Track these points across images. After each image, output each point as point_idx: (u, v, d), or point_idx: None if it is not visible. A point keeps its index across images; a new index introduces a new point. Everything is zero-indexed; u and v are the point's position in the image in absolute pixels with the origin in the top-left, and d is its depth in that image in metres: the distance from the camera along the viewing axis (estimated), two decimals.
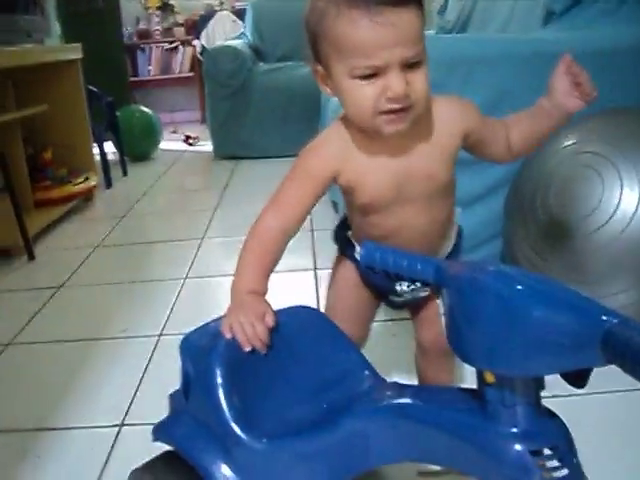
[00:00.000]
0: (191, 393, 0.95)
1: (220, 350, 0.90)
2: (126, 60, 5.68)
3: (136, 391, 1.57)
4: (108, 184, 3.73)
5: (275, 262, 0.97)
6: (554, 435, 0.71)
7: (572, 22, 1.88)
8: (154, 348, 1.77)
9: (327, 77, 0.93)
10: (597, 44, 1.74)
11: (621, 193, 1.33)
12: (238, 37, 4.97)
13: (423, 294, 1.09)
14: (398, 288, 1.06)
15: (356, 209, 1.04)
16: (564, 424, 0.73)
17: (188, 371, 0.96)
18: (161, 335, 1.84)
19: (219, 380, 0.87)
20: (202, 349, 0.93)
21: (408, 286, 1.05)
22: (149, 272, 2.43)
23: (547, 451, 0.69)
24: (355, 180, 0.97)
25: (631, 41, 1.75)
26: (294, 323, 0.98)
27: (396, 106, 0.87)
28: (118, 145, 4.10)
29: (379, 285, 1.11)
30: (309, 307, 1.03)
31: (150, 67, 6.18)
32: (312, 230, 2.57)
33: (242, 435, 0.86)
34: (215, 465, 0.88)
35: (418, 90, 0.88)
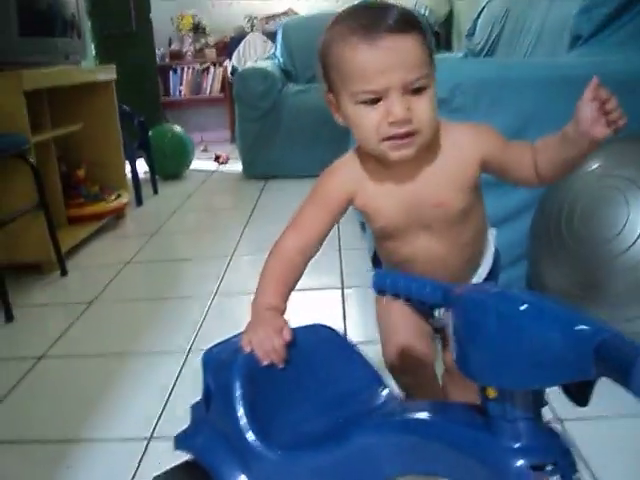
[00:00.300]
0: (212, 404, 0.99)
1: (240, 364, 0.93)
2: (158, 81, 5.78)
3: (165, 405, 1.60)
4: (139, 202, 3.79)
5: (295, 281, 1.00)
6: (555, 451, 0.72)
7: (599, 46, 1.90)
8: (183, 364, 1.80)
9: (338, 106, 0.97)
10: (624, 68, 1.75)
11: None
12: (269, 58, 5.05)
13: None
14: (436, 314, 1.08)
15: (375, 234, 1.08)
16: (565, 441, 0.74)
17: (209, 383, 1.00)
18: (190, 351, 1.87)
19: (238, 392, 0.91)
20: (223, 362, 0.97)
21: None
22: (178, 289, 2.47)
23: (548, 466, 0.71)
24: (368, 205, 1.01)
25: None
26: (311, 340, 1.01)
27: (398, 131, 0.89)
28: (149, 164, 4.17)
29: (419, 311, 1.12)
30: (325, 325, 1.06)
31: (182, 87, 6.27)
32: (339, 249, 2.59)
33: (259, 446, 0.90)
34: (232, 474, 0.92)
35: (422, 116, 0.90)
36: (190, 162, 4.75)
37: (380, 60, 0.88)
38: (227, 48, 6.06)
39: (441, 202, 0.98)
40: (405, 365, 1.11)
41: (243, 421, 0.91)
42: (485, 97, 1.65)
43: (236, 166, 4.75)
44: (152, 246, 3.06)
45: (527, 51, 2.39)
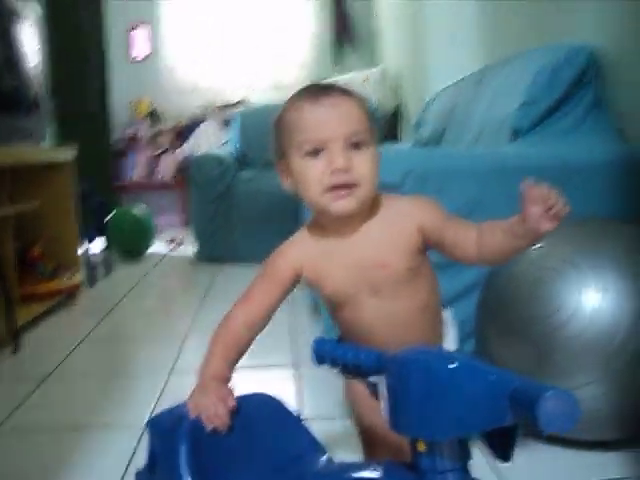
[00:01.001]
0: (157, 469, 1.02)
1: (185, 430, 0.97)
2: (111, 164, 5.90)
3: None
4: (93, 282, 3.81)
5: (241, 352, 1.05)
6: None
7: (537, 139, 2.06)
8: (139, 440, 1.81)
9: (287, 170, 1.03)
10: (560, 159, 1.90)
11: (580, 295, 1.45)
12: (223, 145, 5.20)
13: None
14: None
15: (327, 305, 1.12)
16: None
17: (155, 449, 1.03)
18: (145, 430, 1.89)
19: (183, 457, 0.95)
20: (168, 428, 1.01)
21: None
22: (134, 367, 2.51)
23: None
24: (316, 276, 1.06)
25: (587, 157, 1.92)
26: (254, 408, 1.07)
27: (339, 180, 0.97)
28: (107, 244, 4.21)
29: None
30: (268, 394, 1.11)
31: (135, 171, 6.37)
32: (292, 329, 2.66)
33: None
34: None
35: (361, 169, 0.97)
36: (152, 243, 4.82)
37: (322, 113, 0.98)
38: (181, 135, 6.21)
39: (385, 263, 1.03)
40: (374, 440, 1.15)
41: None
42: (433, 184, 1.75)
43: (189, 249, 4.81)
44: (106, 325, 3.07)
45: (471, 143, 2.55)
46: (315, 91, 1.01)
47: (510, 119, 2.17)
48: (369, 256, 1.03)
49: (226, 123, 5.70)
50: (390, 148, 3.04)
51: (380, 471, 0.88)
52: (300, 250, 1.08)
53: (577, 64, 2.11)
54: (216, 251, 4.45)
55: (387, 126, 5.24)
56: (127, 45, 6.40)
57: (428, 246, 1.07)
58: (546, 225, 0.91)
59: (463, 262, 1.07)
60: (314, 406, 1.97)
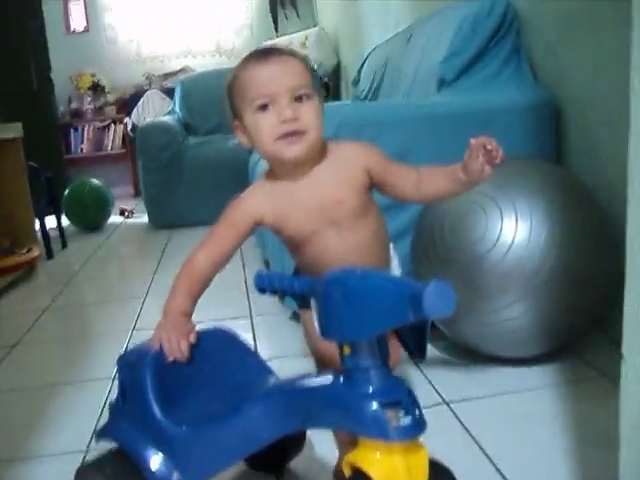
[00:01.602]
0: (127, 397, 1.18)
1: (149, 360, 1.14)
2: (60, 139, 5.91)
3: (97, 423, 1.72)
4: (50, 255, 3.88)
5: (202, 289, 1.17)
6: (399, 391, 0.94)
7: (461, 88, 2.21)
8: (108, 391, 1.93)
9: (242, 127, 1.17)
10: (482, 105, 2.06)
11: (501, 225, 1.61)
12: (168, 114, 5.25)
13: None
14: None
15: (289, 245, 1.23)
16: (407, 384, 0.97)
17: (124, 380, 1.20)
18: (114, 379, 2.02)
19: (149, 383, 1.12)
20: (135, 361, 1.17)
21: None
22: (99, 328, 2.65)
23: (396, 404, 0.92)
24: (277, 221, 1.18)
25: (507, 102, 2.08)
26: (213, 340, 1.23)
27: (288, 127, 1.09)
28: (58, 219, 4.27)
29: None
30: (224, 329, 1.28)
31: (82, 145, 6.40)
32: (247, 288, 2.80)
33: (167, 425, 1.11)
34: (147, 452, 1.12)
35: (307, 118, 1.10)
36: (110, 213, 4.90)
37: (269, 71, 1.11)
38: (126, 105, 6.23)
39: (340, 199, 1.15)
40: (324, 363, 1.27)
41: (153, 405, 1.11)
42: (365, 134, 1.87)
43: (142, 219, 4.90)
44: (67, 293, 3.17)
45: (404, 96, 2.69)
46: (262, 53, 1.14)
47: (437, 70, 2.31)
48: (326, 195, 1.15)
49: (170, 91, 5.73)
50: (326, 104, 3.16)
51: (315, 377, 1.03)
52: (259, 198, 1.19)
53: (496, 15, 2.25)
54: (168, 217, 4.56)
55: (329, 85, 5.35)
56: (64, 17, 6.35)
57: (372, 186, 1.20)
58: (487, 173, 1.08)
59: (403, 200, 1.23)
60: (268, 348, 2.12)
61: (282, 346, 2.09)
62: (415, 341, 0.95)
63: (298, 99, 1.10)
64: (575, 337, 1.79)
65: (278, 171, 1.18)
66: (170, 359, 1.11)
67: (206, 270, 1.17)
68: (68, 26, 6.38)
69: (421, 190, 1.19)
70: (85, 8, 6.38)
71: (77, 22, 6.39)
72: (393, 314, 0.85)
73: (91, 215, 4.75)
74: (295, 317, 2.26)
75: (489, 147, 1.06)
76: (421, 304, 0.79)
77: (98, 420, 1.74)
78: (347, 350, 0.94)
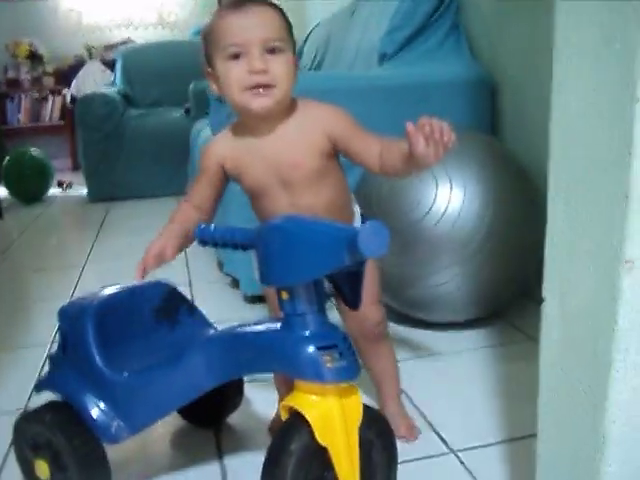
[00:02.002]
0: (67, 348, 1.21)
1: (91, 311, 1.17)
2: None
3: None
4: None
5: (186, 225, 1.15)
6: (335, 336, 0.98)
7: (401, 62, 2.26)
8: (45, 356, 1.92)
9: (215, 76, 1.16)
10: (418, 79, 2.12)
11: (436, 193, 1.67)
12: (108, 85, 5.18)
13: None
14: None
15: (250, 198, 1.24)
16: (342, 329, 1.01)
17: (65, 330, 1.22)
18: (52, 343, 2.02)
19: (90, 333, 1.15)
20: (76, 313, 1.20)
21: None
22: (39, 293, 2.63)
23: (331, 347, 0.96)
24: (237, 167, 1.19)
25: (445, 77, 2.14)
26: (155, 292, 1.26)
27: (257, 79, 1.08)
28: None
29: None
30: (168, 282, 1.31)
31: (19, 115, 6.26)
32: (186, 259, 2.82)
33: (107, 372, 1.14)
34: (88, 399, 1.15)
35: (277, 72, 1.09)
36: (50, 185, 4.84)
37: (242, 19, 1.10)
38: (66, 77, 6.11)
39: (297, 163, 1.16)
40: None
41: (94, 354, 1.14)
42: None
43: (80, 191, 4.84)
44: (4, 262, 3.14)
45: (346, 69, 2.73)
46: (239, 1, 1.12)
47: (378, 45, 2.35)
48: (284, 156, 1.16)
49: (111, 63, 5.65)
50: None
51: (253, 324, 1.06)
52: (222, 145, 1.21)
53: None
54: (107, 190, 4.52)
55: None
56: None
57: (336, 151, 1.19)
58: (435, 157, 0.99)
59: (367, 170, 1.20)
60: (207, 314, 2.13)
61: (221, 312, 2.11)
62: (350, 290, 0.99)
63: (270, 51, 1.10)
64: (505, 303, 1.87)
65: (245, 122, 1.19)
66: (139, 271, 1.08)
67: (187, 210, 1.20)
68: None
69: (383, 165, 1.15)
70: None
71: None
72: (329, 257, 0.89)
73: (31, 185, 4.68)
74: (234, 284, 2.29)
75: (428, 128, 0.98)
76: (356, 244, 0.83)
77: (32, 390, 1.74)
78: (285, 295, 0.98)
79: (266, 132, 1.17)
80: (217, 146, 1.23)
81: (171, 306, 1.27)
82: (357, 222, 1.29)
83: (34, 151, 4.78)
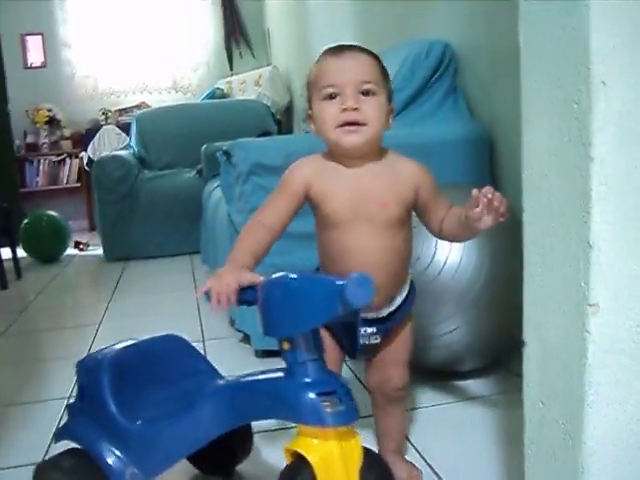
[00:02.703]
0: (84, 398, 1.28)
1: (107, 363, 1.25)
2: (16, 171, 5.95)
3: (50, 442, 1.76)
4: (4, 286, 3.91)
5: (259, 250, 1.16)
6: (334, 382, 1.05)
7: (404, 121, 2.36)
8: (62, 412, 1.97)
9: (312, 117, 1.22)
10: (423, 138, 2.21)
11: (436, 247, 1.74)
12: (124, 148, 5.32)
13: (374, 342, 1.28)
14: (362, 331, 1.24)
15: (322, 223, 1.25)
16: (341, 376, 1.08)
17: (83, 381, 1.30)
18: (69, 398, 2.08)
19: (106, 383, 1.23)
20: (93, 365, 1.28)
21: (365, 331, 1.24)
22: (56, 351, 2.68)
23: (331, 394, 1.02)
24: (323, 191, 1.21)
25: (448, 134, 2.25)
26: (167, 345, 1.35)
27: (349, 116, 1.15)
28: (12, 250, 4.29)
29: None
30: (177, 335, 1.39)
31: (38, 178, 6.43)
32: (199, 316, 2.89)
33: (122, 421, 1.20)
34: (103, 447, 1.21)
35: (369, 112, 1.16)
36: (67, 245, 4.94)
37: (339, 62, 1.18)
38: (82, 140, 6.28)
39: (385, 202, 1.20)
40: None
41: (109, 404, 1.21)
42: None
43: (97, 251, 4.94)
44: (22, 321, 3.22)
45: None
46: (338, 48, 1.22)
47: None
48: (373, 193, 1.20)
49: (126, 127, 5.81)
50: (274, 137, 3.31)
51: (259, 373, 1.13)
52: (311, 168, 1.23)
53: (435, 55, 2.43)
54: (123, 250, 4.60)
55: (281, 122, 5.51)
56: (22, 52, 6.41)
57: (414, 206, 1.25)
58: (485, 223, 1.12)
59: (429, 231, 1.29)
60: (220, 369, 2.19)
61: (233, 367, 2.16)
62: (347, 338, 1.07)
63: (365, 93, 1.16)
64: (506, 352, 1.92)
65: (335, 156, 1.23)
66: (213, 303, 1.08)
67: (259, 228, 1.19)
68: (26, 61, 6.44)
69: (442, 229, 1.25)
70: (43, 43, 6.46)
71: (35, 57, 6.46)
72: (324, 308, 0.96)
73: (48, 246, 4.79)
74: (245, 340, 2.36)
75: (489, 196, 1.10)
76: (344, 294, 0.91)
77: (49, 444, 1.78)
78: (286, 346, 1.05)
79: (356, 167, 1.21)
80: (305, 167, 1.25)
81: (183, 357, 1.34)
82: (407, 284, 1.34)
83: (52, 213, 4.91)
